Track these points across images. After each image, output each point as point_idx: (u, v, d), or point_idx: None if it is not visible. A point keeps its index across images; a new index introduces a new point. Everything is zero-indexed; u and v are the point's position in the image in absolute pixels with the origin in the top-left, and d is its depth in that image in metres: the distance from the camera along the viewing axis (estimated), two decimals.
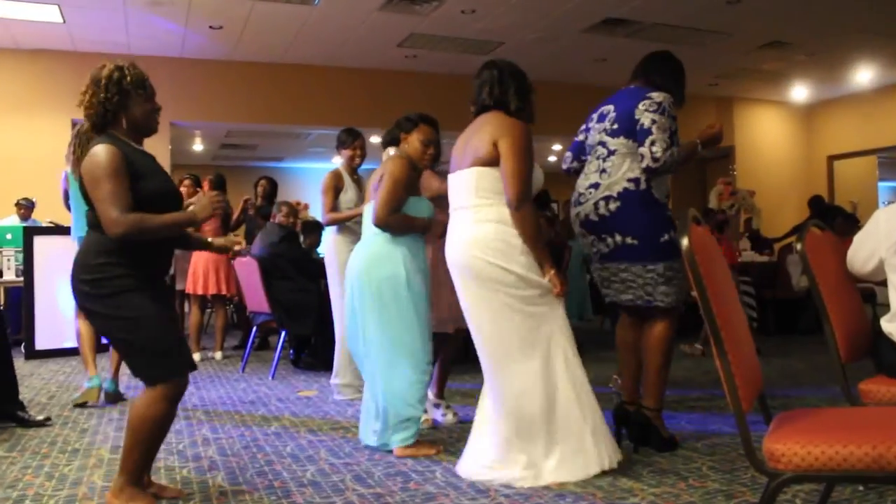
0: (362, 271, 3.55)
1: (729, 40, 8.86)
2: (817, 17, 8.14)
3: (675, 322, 3.50)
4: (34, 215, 8.11)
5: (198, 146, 13.22)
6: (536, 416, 2.98)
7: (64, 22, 7.82)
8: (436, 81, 9.88)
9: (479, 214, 3.07)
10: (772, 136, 12.27)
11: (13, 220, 7.95)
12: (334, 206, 4.94)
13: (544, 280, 3.03)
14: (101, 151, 2.61)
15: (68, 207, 5.13)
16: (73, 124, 8.56)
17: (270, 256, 6.03)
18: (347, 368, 4.76)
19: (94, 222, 2.69)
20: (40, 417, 4.18)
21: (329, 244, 5.03)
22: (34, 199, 8.06)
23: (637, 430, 3.47)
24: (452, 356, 4.31)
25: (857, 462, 1.64)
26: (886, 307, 2.60)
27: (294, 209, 6.62)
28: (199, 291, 6.74)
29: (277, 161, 15.39)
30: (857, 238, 2.66)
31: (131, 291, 2.64)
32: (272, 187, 7.92)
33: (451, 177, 3.26)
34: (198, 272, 6.74)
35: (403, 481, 3.06)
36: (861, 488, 2.80)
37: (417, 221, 3.56)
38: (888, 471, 1.63)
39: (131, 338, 2.66)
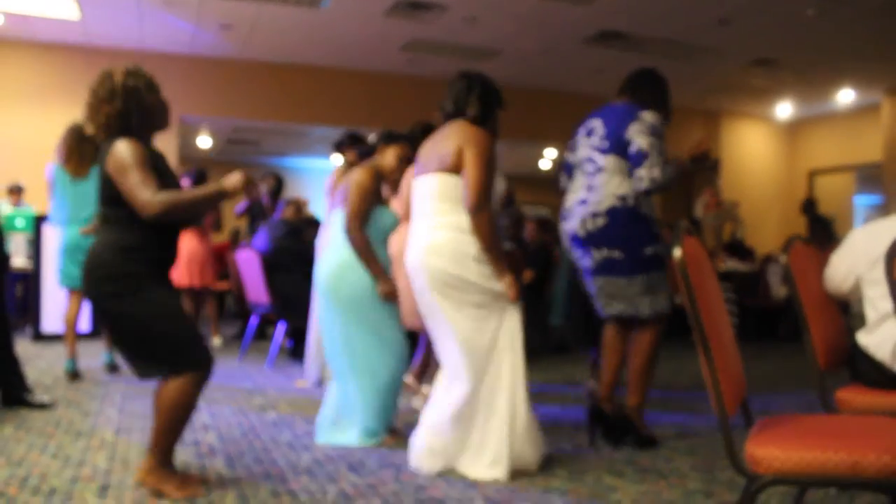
0: (331, 284, 3.49)
1: (719, 57, 8.89)
2: (804, 38, 8.18)
3: (662, 328, 3.53)
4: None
5: (204, 141, 13.18)
6: (473, 418, 3.01)
7: (81, 17, 7.79)
8: (436, 86, 9.83)
9: (437, 221, 3.06)
10: (757, 150, 12.32)
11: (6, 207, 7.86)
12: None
13: (497, 286, 3.01)
14: (125, 144, 2.61)
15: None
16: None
17: (275, 251, 6.04)
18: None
19: (113, 218, 2.67)
20: (45, 399, 4.16)
21: None
22: (21, 184, 8.02)
23: (611, 429, 3.48)
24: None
25: (835, 468, 1.65)
26: (859, 318, 2.62)
27: (300, 206, 6.65)
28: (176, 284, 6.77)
29: (280, 157, 15.37)
30: (834, 257, 2.66)
31: (154, 287, 2.64)
32: (278, 184, 7.90)
33: (415, 181, 3.24)
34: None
35: (396, 472, 3.07)
36: (833, 492, 2.82)
37: (377, 268, 3.46)
38: (863, 477, 1.65)
39: (160, 331, 2.63)
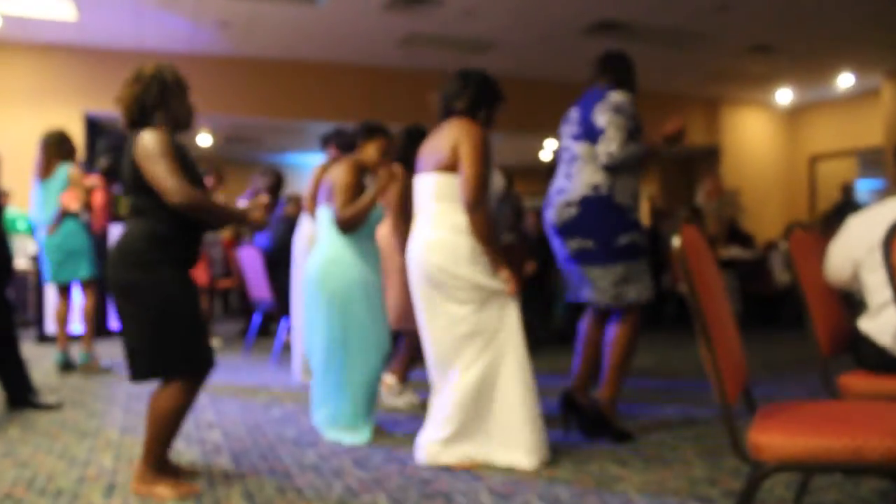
0: (320, 278, 3.51)
1: (717, 44, 8.86)
2: (802, 24, 8.15)
3: (638, 319, 3.49)
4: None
5: (203, 139, 13.18)
6: (477, 414, 3.04)
7: (78, 18, 7.77)
8: (434, 79, 9.81)
9: (435, 220, 3.11)
10: (757, 137, 12.28)
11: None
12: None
13: (495, 283, 3.04)
14: (151, 134, 2.66)
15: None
16: (86, 117, 8.54)
17: (278, 247, 6.05)
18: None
19: (143, 208, 2.68)
20: (51, 400, 4.17)
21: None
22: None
23: (586, 419, 3.48)
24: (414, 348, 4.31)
25: (838, 454, 1.65)
26: (861, 304, 2.61)
27: (300, 202, 6.67)
28: None
29: (279, 154, 15.35)
30: (831, 247, 2.65)
31: (177, 280, 2.67)
32: (277, 182, 7.89)
33: (417, 178, 3.27)
34: None
35: (401, 467, 3.07)
36: (838, 478, 2.81)
37: (367, 202, 3.48)
38: (867, 462, 1.65)
39: (172, 328, 2.64)
